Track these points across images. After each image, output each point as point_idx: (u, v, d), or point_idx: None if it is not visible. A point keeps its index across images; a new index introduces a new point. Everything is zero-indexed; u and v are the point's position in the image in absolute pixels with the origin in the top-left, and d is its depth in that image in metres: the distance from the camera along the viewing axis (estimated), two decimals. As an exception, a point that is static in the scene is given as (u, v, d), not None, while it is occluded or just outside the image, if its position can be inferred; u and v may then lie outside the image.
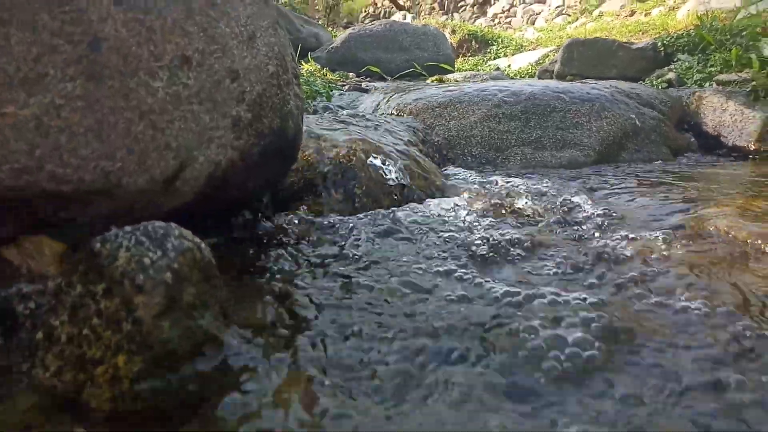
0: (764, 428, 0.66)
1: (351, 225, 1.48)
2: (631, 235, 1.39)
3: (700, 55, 3.61)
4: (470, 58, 8.38)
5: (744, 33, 3.49)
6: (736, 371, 0.77)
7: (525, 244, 1.31)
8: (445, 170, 2.25)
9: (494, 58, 7.96)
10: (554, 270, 1.18)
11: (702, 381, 0.75)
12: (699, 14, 3.98)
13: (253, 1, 1.12)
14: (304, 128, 2.08)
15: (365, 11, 18.69)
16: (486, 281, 1.09)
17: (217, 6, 1.00)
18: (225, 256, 1.22)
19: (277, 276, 1.10)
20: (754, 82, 2.87)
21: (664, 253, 1.25)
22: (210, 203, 1.23)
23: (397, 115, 2.72)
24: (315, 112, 2.81)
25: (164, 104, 0.93)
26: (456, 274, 1.12)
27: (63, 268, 0.81)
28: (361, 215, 1.58)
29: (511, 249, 1.29)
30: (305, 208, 1.66)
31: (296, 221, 1.49)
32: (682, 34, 3.87)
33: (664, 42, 3.86)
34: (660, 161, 2.59)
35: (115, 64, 0.84)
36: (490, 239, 1.32)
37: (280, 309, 0.93)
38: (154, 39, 0.90)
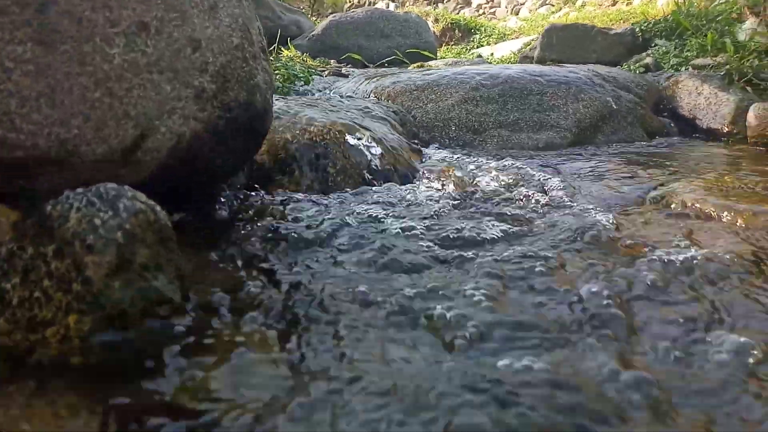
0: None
1: (321, 203, 1.48)
2: (599, 209, 1.40)
3: (676, 40, 3.64)
4: (454, 46, 8.37)
5: (719, 18, 3.53)
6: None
7: (492, 225, 1.31)
8: (421, 152, 2.25)
9: (477, 47, 7.97)
10: (512, 248, 1.19)
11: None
12: (676, 1, 4.01)
13: (215, -30, 1.10)
14: (281, 108, 2.07)
15: (350, 1, 18.57)
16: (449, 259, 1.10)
17: (176, -27, 0.99)
18: (194, 230, 1.22)
19: (242, 248, 1.09)
20: (728, 66, 2.90)
21: (630, 222, 1.27)
22: (178, 178, 1.21)
23: (375, 98, 2.71)
24: (293, 94, 2.80)
25: (121, 71, 0.92)
26: (416, 253, 1.13)
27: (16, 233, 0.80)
28: (333, 194, 1.58)
29: (476, 229, 1.29)
30: (278, 185, 1.65)
31: (268, 198, 1.48)
32: (660, 20, 3.90)
33: (642, 28, 3.88)
34: (636, 143, 2.62)
35: (67, 28, 0.83)
36: (457, 220, 1.33)
37: (240, 278, 0.92)
38: (109, 4, 0.88)
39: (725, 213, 1.29)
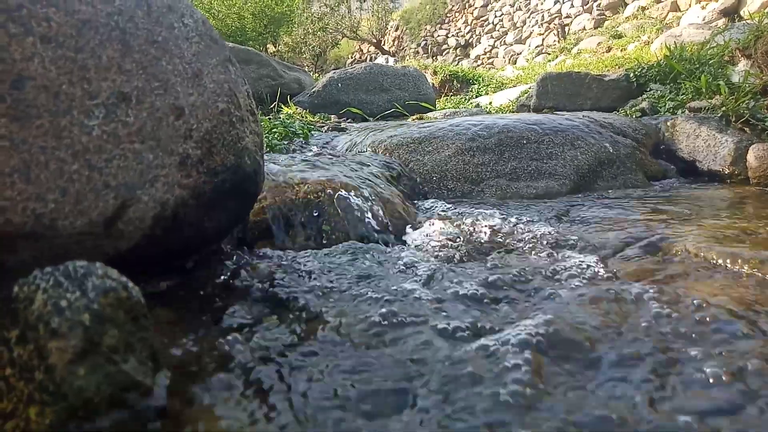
0: None
1: (315, 263, 1.44)
2: (598, 259, 1.36)
3: (671, 84, 3.67)
4: (453, 97, 8.52)
5: (711, 61, 3.57)
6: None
7: (486, 281, 1.27)
8: (419, 204, 2.23)
9: (476, 96, 8.10)
10: (510, 305, 1.14)
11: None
12: (668, 45, 4.07)
13: (200, 39, 1.11)
14: (276, 166, 2.07)
15: (351, 57, 19.16)
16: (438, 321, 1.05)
17: (158, 44, 1.00)
18: (179, 298, 1.18)
19: (227, 316, 1.05)
20: (724, 108, 2.91)
21: (631, 272, 1.22)
22: (166, 244, 1.19)
23: (372, 152, 2.72)
24: (291, 151, 2.81)
25: (101, 142, 0.91)
26: (405, 317, 1.08)
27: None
28: (328, 252, 1.55)
29: (472, 286, 1.25)
30: (272, 244, 1.62)
31: (259, 259, 1.45)
32: (653, 64, 3.95)
33: (636, 73, 3.93)
34: (636, 188, 2.59)
35: (43, 103, 0.82)
36: (455, 276, 1.29)
37: (223, 352, 0.88)
38: (88, 77, 0.88)
39: (729, 261, 1.25)
